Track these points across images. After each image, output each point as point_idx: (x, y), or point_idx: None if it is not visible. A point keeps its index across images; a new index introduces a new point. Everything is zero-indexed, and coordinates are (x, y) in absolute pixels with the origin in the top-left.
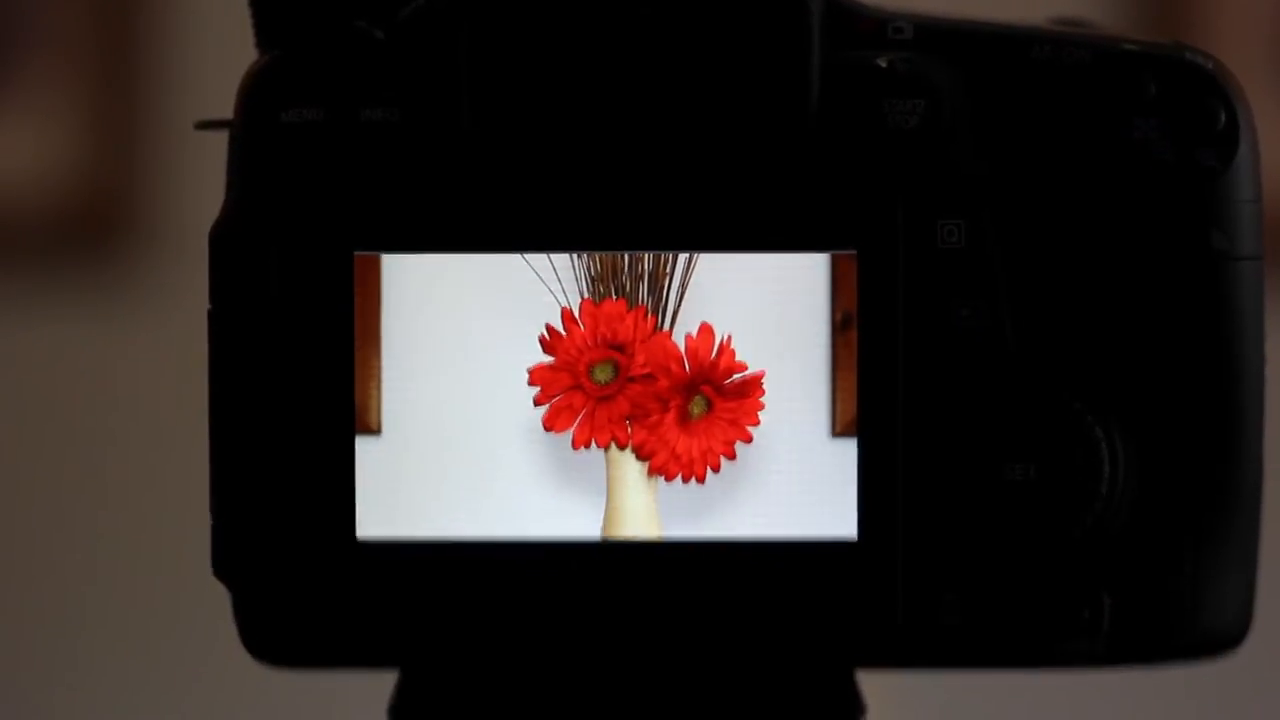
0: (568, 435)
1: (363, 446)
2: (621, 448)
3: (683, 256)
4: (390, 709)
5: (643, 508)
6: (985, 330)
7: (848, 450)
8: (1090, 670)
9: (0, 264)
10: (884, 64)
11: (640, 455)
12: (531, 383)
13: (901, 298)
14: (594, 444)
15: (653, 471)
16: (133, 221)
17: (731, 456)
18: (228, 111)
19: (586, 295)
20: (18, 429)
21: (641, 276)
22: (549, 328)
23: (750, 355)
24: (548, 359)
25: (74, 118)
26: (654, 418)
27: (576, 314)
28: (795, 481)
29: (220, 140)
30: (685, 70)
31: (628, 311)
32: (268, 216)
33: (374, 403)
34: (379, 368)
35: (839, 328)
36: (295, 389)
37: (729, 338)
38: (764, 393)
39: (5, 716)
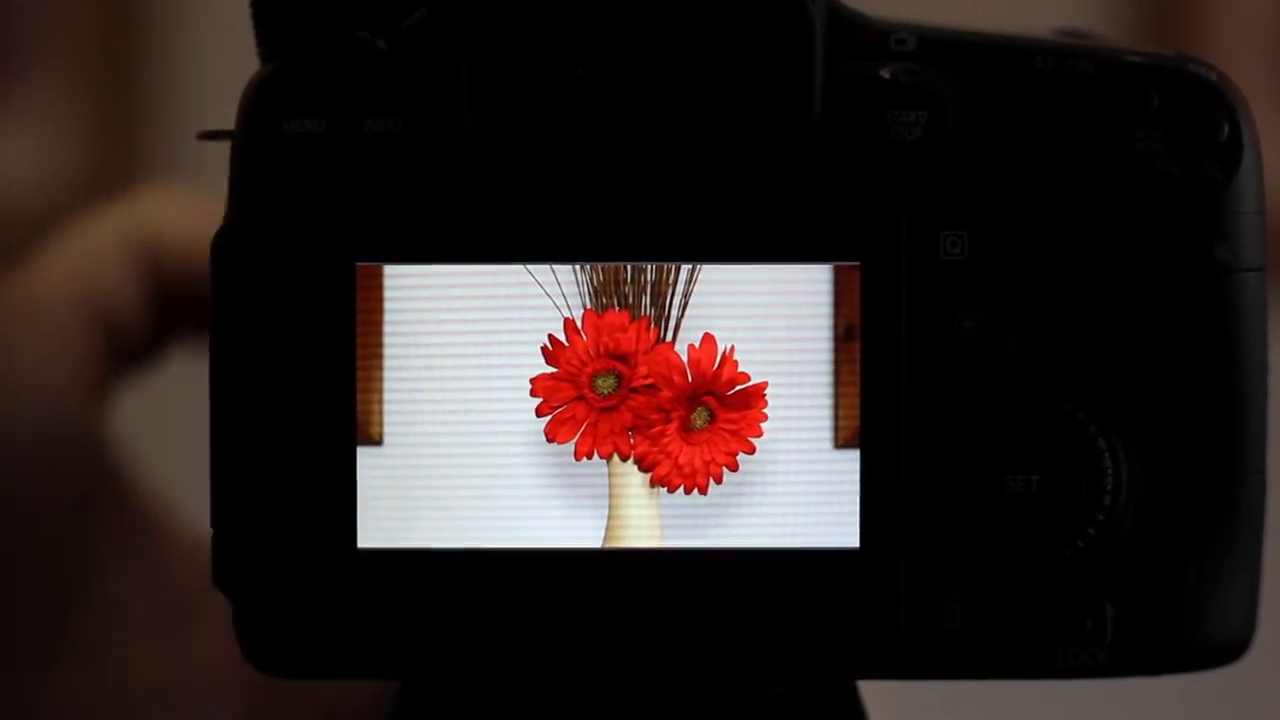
0: (570, 446)
1: (364, 456)
2: (624, 459)
3: (685, 268)
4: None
5: (645, 519)
6: (988, 341)
7: (850, 462)
8: (1093, 680)
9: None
10: (887, 75)
11: (643, 466)
12: (534, 393)
13: (904, 309)
14: (596, 455)
15: (655, 482)
16: None
17: (734, 468)
18: (230, 122)
19: (589, 306)
20: None
21: (644, 288)
22: (551, 338)
23: (753, 366)
24: (550, 369)
25: (76, 128)
26: (656, 429)
27: (579, 324)
28: (798, 494)
29: (223, 151)
30: (687, 81)
31: (630, 322)
32: (270, 227)
33: (376, 412)
34: (381, 377)
35: (842, 339)
36: (297, 399)
37: (732, 349)
38: (766, 404)
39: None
